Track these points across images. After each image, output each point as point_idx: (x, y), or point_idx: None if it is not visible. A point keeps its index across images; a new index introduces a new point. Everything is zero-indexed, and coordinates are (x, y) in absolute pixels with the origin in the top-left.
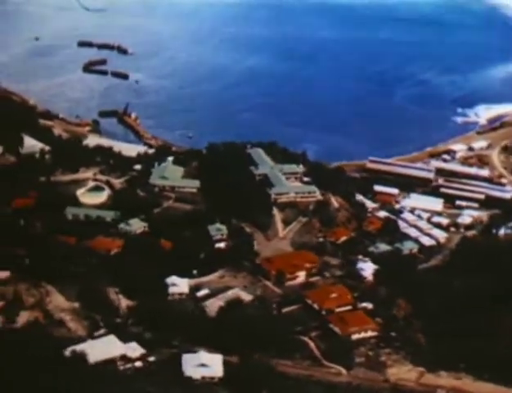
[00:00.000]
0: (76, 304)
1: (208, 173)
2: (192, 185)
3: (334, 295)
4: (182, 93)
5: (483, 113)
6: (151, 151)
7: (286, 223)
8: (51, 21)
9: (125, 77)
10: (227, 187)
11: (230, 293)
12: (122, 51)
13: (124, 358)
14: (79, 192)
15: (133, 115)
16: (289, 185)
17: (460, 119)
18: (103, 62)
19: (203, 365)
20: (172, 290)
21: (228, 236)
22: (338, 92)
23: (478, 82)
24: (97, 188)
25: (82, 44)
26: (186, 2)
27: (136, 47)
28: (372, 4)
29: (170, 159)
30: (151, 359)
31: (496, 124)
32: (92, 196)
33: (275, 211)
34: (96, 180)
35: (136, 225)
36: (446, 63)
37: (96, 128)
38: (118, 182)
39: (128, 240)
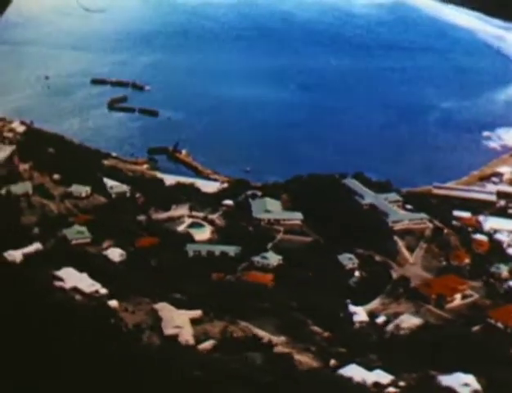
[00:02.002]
0: (283, 338)
1: (307, 204)
2: (296, 217)
3: None
4: (217, 128)
5: (505, 135)
6: (224, 185)
7: (409, 249)
8: (54, 60)
9: (154, 114)
10: (336, 218)
11: (404, 318)
12: (137, 87)
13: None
14: (180, 229)
15: (184, 152)
16: (401, 213)
17: (491, 143)
18: (124, 99)
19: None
20: (356, 318)
21: (359, 265)
22: (368, 120)
23: (485, 106)
24: (197, 225)
25: (95, 82)
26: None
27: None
28: (362, 32)
29: (256, 192)
30: (401, 383)
31: None
32: (195, 233)
33: (396, 238)
34: (191, 217)
35: (273, 258)
36: (453, 88)
37: (154, 166)
38: (215, 218)
39: (277, 273)
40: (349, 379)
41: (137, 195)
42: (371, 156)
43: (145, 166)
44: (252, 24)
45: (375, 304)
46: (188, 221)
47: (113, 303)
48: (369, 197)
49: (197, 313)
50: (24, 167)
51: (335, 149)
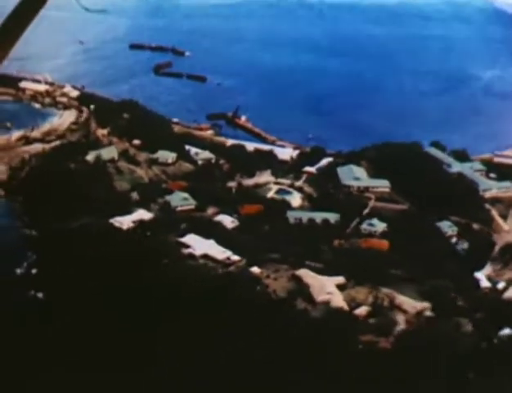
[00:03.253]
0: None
1: (391, 173)
2: (384, 184)
3: None
4: (270, 95)
5: None
6: (296, 152)
7: (501, 217)
8: (89, 25)
9: (203, 80)
10: (425, 186)
11: None
12: (178, 53)
13: None
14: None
15: (243, 118)
16: (490, 182)
17: None
18: (169, 65)
19: None
20: (482, 284)
21: (458, 232)
22: (414, 88)
23: None
24: (285, 192)
25: (134, 47)
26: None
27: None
28: (401, 3)
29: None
30: None
31: None
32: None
33: (488, 207)
34: (277, 184)
35: (379, 225)
36: (491, 58)
37: (218, 133)
38: (302, 185)
39: (393, 240)
40: None
41: (221, 161)
42: (424, 125)
43: (209, 132)
44: None
45: (487, 270)
46: (275, 188)
47: (254, 270)
48: (455, 166)
49: (340, 279)
50: (102, 132)
51: (388, 117)
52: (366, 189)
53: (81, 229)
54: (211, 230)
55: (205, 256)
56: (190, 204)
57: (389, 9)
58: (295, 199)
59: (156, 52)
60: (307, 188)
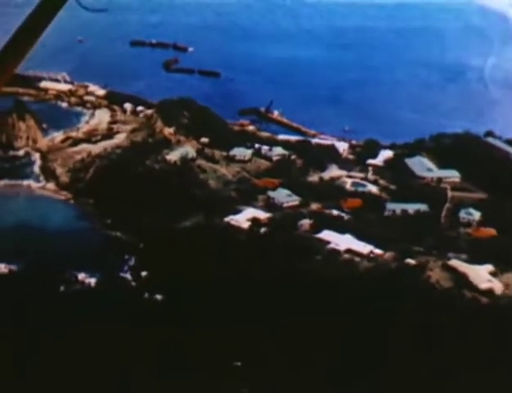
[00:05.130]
0: None
1: (457, 162)
2: (454, 175)
3: None
4: (285, 88)
5: None
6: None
7: None
8: (87, 22)
9: (216, 75)
10: (495, 175)
11: None
12: (180, 49)
13: None
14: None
15: (276, 112)
16: None
17: None
18: (177, 61)
19: None
20: None
21: None
22: (419, 79)
23: None
24: (360, 185)
25: (135, 44)
26: None
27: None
28: None
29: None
30: None
31: None
32: None
33: None
34: (350, 177)
35: (476, 214)
36: (477, 46)
37: (258, 128)
38: (374, 178)
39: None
40: None
41: (293, 157)
42: (446, 114)
43: (250, 128)
44: None
45: None
46: (349, 181)
47: (409, 261)
48: None
49: (489, 267)
50: (169, 131)
51: (410, 107)
52: (440, 180)
53: (197, 229)
54: (345, 225)
55: (349, 251)
56: (295, 200)
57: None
58: (373, 191)
59: (156, 48)
60: (382, 181)
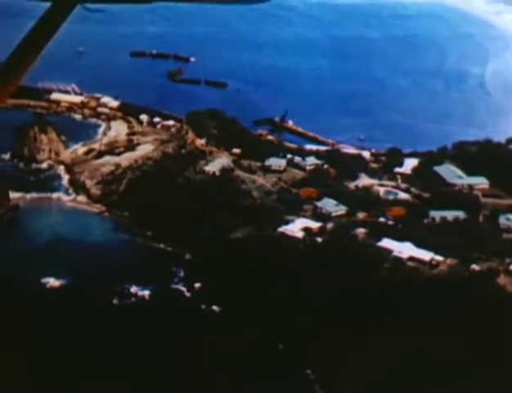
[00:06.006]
0: None
1: (485, 169)
2: (483, 182)
3: None
4: (294, 98)
5: None
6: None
7: None
8: (86, 34)
9: (223, 86)
10: None
11: None
12: (181, 59)
13: None
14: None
15: (290, 122)
16: None
17: None
18: (181, 72)
19: None
20: None
21: None
22: (421, 88)
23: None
24: (392, 193)
25: (135, 55)
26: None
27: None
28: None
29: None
30: None
31: None
32: None
33: None
34: (381, 185)
35: None
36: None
37: (279, 139)
38: (405, 185)
39: None
40: None
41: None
42: (454, 121)
43: (269, 137)
44: None
45: None
46: (382, 189)
47: (475, 267)
48: None
49: None
50: (200, 142)
51: (418, 115)
52: (471, 187)
53: (250, 239)
54: (398, 233)
55: (412, 259)
56: (342, 209)
57: (364, 10)
58: (409, 199)
59: (157, 59)
60: (414, 189)
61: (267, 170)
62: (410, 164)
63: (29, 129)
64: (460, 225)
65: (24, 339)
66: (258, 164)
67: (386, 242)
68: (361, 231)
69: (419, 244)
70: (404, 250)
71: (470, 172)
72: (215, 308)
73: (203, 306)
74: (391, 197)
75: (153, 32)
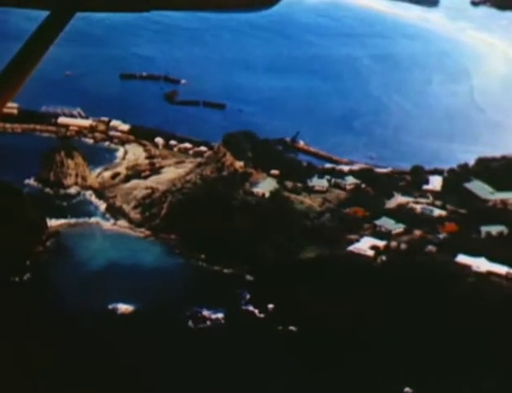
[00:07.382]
0: None
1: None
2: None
3: None
4: (296, 118)
5: None
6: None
7: None
8: (73, 57)
9: (222, 107)
10: None
11: None
12: (172, 81)
13: None
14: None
15: (301, 142)
16: None
17: None
18: (176, 93)
19: None
20: None
21: None
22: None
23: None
24: (429, 210)
25: (125, 77)
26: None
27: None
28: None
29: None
30: None
31: None
32: None
33: None
34: (417, 203)
35: None
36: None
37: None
38: (439, 202)
39: None
40: None
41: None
42: (452, 139)
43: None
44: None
45: None
46: (418, 207)
47: None
48: None
49: None
50: (239, 165)
51: (419, 134)
52: (504, 202)
53: (320, 259)
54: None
55: (490, 273)
56: (400, 227)
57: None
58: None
59: (146, 81)
60: (449, 206)
61: (310, 191)
62: (435, 181)
63: (55, 154)
64: (506, 239)
65: (109, 364)
66: (299, 184)
67: (462, 258)
68: (431, 248)
69: (490, 258)
70: (481, 265)
71: (498, 187)
72: (292, 328)
73: (279, 327)
74: (428, 214)
75: (141, 53)
